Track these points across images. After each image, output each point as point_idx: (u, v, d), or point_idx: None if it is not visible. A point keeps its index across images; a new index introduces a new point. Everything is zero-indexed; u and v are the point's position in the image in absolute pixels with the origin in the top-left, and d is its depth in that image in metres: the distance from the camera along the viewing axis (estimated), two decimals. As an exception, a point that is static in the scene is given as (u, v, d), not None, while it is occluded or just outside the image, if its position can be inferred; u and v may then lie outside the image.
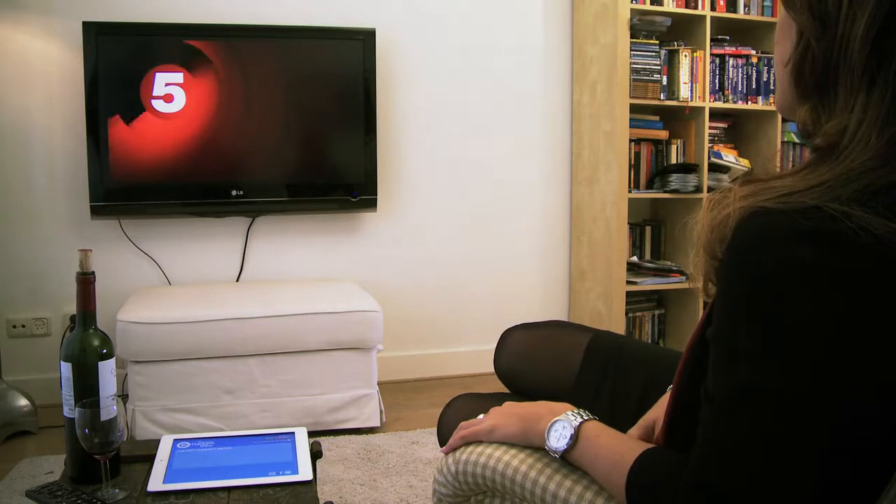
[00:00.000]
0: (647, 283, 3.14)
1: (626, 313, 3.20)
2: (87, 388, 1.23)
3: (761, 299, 0.64)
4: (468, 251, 3.26)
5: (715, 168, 3.20)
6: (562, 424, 0.88)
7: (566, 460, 0.87)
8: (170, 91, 2.75)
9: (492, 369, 1.48)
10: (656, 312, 3.36)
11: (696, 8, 3.13)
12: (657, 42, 3.09)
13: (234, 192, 2.84)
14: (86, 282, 1.25)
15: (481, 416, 1.00)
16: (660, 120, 3.24)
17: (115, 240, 2.84)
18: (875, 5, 0.66)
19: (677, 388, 0.80)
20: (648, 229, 3.37)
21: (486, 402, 1.30)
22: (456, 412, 1.34)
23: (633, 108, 3.07)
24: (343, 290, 2.76)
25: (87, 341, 1.24)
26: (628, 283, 3.12)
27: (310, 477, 1.28)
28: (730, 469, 0.65)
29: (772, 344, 0.64)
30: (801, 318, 0.63)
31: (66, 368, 1.24)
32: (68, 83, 2.75)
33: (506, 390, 1.46)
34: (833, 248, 0.62)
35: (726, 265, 0.68)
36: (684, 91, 3.12)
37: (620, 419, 1.10)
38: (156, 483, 1.24)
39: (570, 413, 0.89)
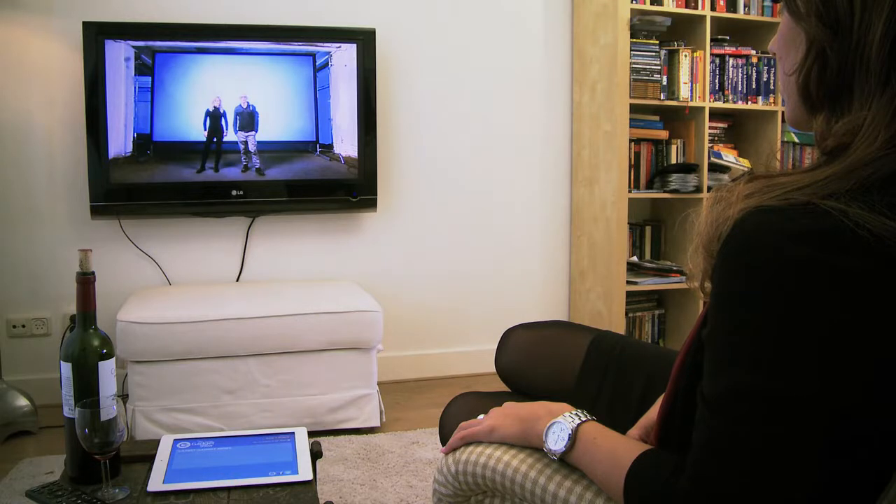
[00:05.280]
0: (647, 283, 3.14)
1: (626, 313, 3.20)
2: (87, 388, 1.23)
3: (755, 298, 0.64)
4: (468, 251, 3.26)
5: (715, 168, 3.20)
6: (559, 426, 0.87)
7: (565, 462, 0.87)
8: (170, 90, 2.75)
9: (492, 369, 1.48)
10: (656, 312, 3.36)
11: (696, 8, 3.13)
12: (657, 42, 3.09)
13: (234, 192, 2.84)
14: (86, 282, 1.25)
15: (481, 416, 1.01)
16: (660, 120, 3.24)
17: (115, 240, 2.84)
18: (891, 9, 0.66)
19: (673, 389, 0.80)
20: (648, 229, 3.37)
21: (487, 401, 1.30)
22: (457, 411, 1.34)
23: (633, 108, 3.07)
24: (343, 290, 2.76)
25: (87, 341, 1.24)
26: (628, 283, 3.12)
27: (310, 477, 1.28)
28: (726, 470, 0.64)
29: (766, 344, 0.63)
30: (795, 317, 0.63)
31: (66, 368, 1.24)
32: (68, 83, 2.75)
33: (507, 389, 1.46)
34: (829, 246, 0.62)
35: (721, 264, 0.68)
36: (684, 91, 3.13)
37: (621, 419, 1.10)
38: (156, 483, 1.24)
39: (567, 414, 0.89)
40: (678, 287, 3.20)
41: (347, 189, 2.95)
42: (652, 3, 3.06)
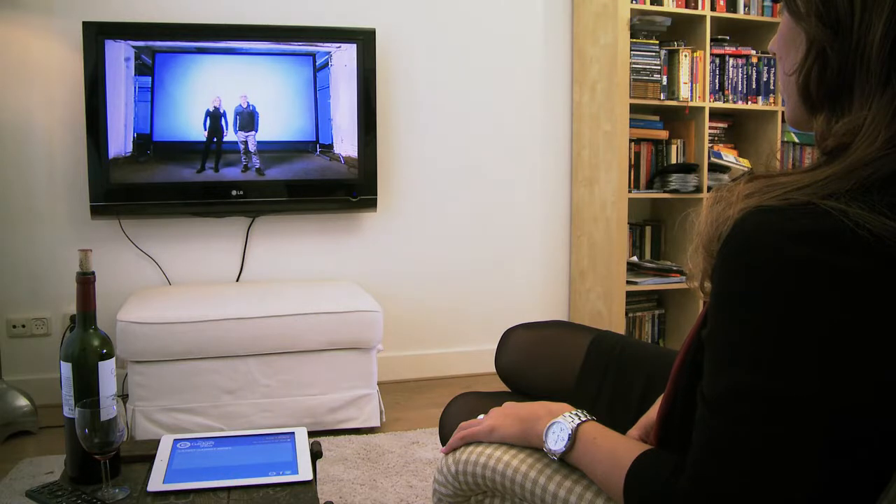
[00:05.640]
0: (647, 283, 3.14)
1: (626, 313, 3.19)
2: (87, 388, 1.23)
3: (755, 298, 0.64)
4: (468, 251, 3.26)
5: (715, 168, 3.20)
6: (559, 426, 0.87)
7: (565, 462, 0.87)
8: (170, 90, 2.75)
9: (492, 369, 1.48)
10: (656, 312, 3.36)
11: (696, 8, 3.13)
12: (657, 42, 3.09)
13: (234, 192, 2.84)
14: (86, 282, 1.25)
15: (481, 416, 1.01)
16: (660, 120, 3.24)
17: (115, 240, 2.84)
18: (891, 9, 0.66)
19: (673, 389, 0.80)
20: (648, 229, 3.37)
21: (487, 401, 1.30)
22: (457, 411, 1.34)
23: (633, 108, 3.07)
24: (343, 290, 2.76)
25: (87, 341, 1.24)
26: (628, 283, 3.12)
27: (310, 477, 1.28)
28: (726, 470, 0.64)
29: (766, 344, 0.63)
30: (795, 317, 0.63)
31: (66, 368, 1.24)
32: (68, 83, 2.75)
33: (507, 390, 1.46)
34: (829, 246, 0.62)
35: (721, 264, 0.68)
36: (684, 91, 3.13)
37: (621, 419, 1.10)
38: (156, 483, 1.24)
39: (567, 414, 0.89)
40: (678, 287, 3.20)
41: (347, 189, 2.95)
42: (652, 3, 3.06)
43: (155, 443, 1.40)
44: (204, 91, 2.79)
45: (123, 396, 2.53)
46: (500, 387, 1.47)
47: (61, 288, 2.81)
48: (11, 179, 2.76)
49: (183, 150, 2.79)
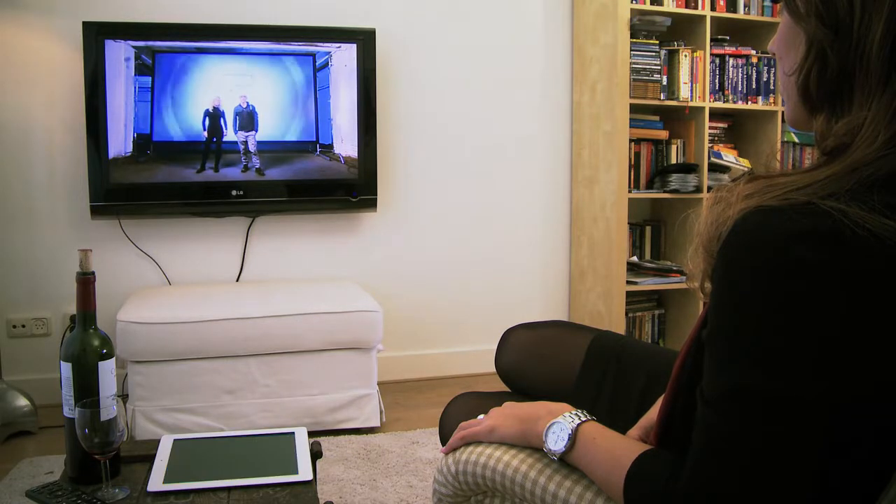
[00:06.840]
0: (647, 283, 3.14)
1: (626, 313, 3.19)
2: (87, 388, 1.23)
3: (755, 298, 0.64)
4: (468, 251, 3.26)
5: (715, 168, 3.20)
6: (559, 426, 0.87)
7: (565, 462, 0.87)
8: (170, 90, 2.75)
9: (492, 369, 1.48)
10: (656, 312, 3.36)
11: (696, 8, 3.13)
12: (657, 42, 3.09)
13: (234, 192, 2.84)
14: (86, 282, 1.25)
15: (481, 416, 1.01)
16: (660, 120, 3.24)
17: (115, 240, 2.84)
18: (891, 9, 0.66)
19: (673, 389, 0.80)
20: (648, 229, 3.37)
21: (487, 401, 1.30)
22: (457, 411, 1.34)
23: (633, 108, 3.07)
24: (343, 290, 2.76)
25: (87, 341, 1.24)
26: (628, 283, 3.12)
27: (310, 477, 1.28)
28: (726, 470, 0.64)
29: (766, 344, 0.63)
30: (795, 317, 0.63)
31: (66, 368, 1.24)
32: (68, 83, 2.75)
33: (507, 390, 1.46)
34: (829, 246, 0.62)
35: (722, 263, 0.68)
36: (684, 91, 3.13)
37: (621, 419, 1.11)
38: (156, 483, 1.24)
39: (567, 414, 0.89)
40: (678, 287, 3.20)
41: (347, 189, 2.95)
42: (652, 3, 3.06)
43: (155, 443, 1.41)
44: (204, 91, 2.79)
45: (123, 396, 2.53)
46: (500, 387, 1.47)
47: (61, 288, 2.81)
48: (11, 179, 2.76)
49: (183, 150, 2.79)
